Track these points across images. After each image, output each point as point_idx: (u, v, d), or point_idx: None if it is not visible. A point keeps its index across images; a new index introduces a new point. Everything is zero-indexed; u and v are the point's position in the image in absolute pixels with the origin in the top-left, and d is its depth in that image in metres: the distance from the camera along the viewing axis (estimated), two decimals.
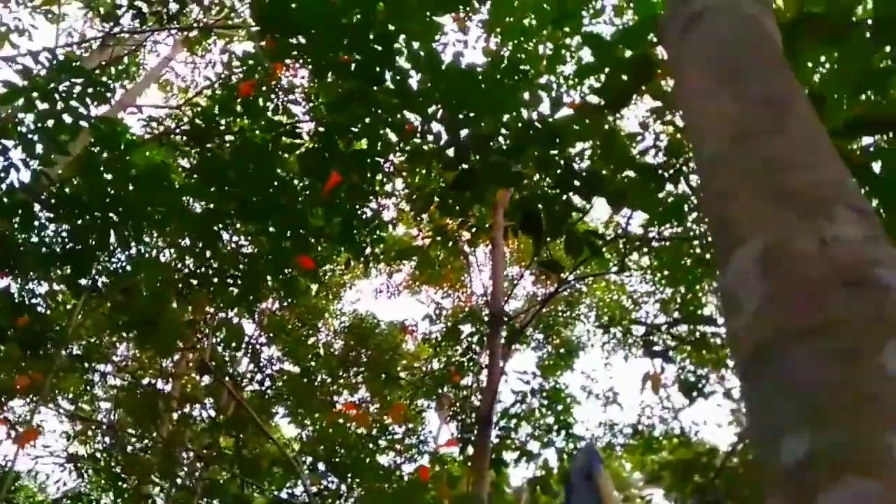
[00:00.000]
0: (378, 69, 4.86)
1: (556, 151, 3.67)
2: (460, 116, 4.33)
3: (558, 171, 3.51)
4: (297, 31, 4.58)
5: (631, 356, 12.93)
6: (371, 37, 4.85)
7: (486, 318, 6.92)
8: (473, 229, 7.23)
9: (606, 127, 3.07)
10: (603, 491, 3.29)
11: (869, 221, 0.83)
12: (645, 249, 10.62)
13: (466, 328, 9.62)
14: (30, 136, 6.62)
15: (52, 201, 6.86)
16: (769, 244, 0.82)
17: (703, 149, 1.09)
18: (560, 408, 9.05)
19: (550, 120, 3.60)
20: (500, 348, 6.71)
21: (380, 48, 4.72)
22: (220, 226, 7.85)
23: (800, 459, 0.64)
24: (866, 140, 3.30)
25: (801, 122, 1.01)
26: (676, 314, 9.40)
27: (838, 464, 0.61)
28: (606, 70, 2.79)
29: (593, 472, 3.32)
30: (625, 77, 2.51)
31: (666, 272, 10.37)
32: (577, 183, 3.49)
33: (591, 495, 3.27)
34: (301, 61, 5.25)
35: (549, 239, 3.77)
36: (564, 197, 3.63)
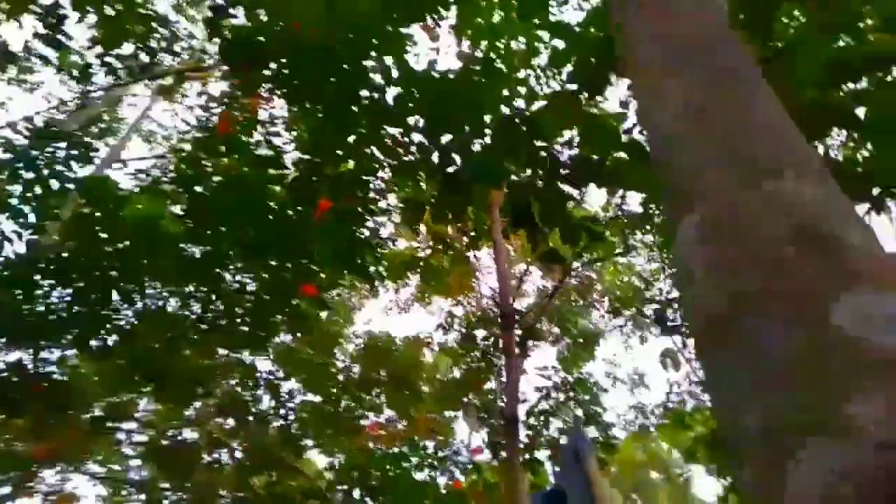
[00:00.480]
0: (351, 89, 4.84)
1: (539, 143, 3.63)
2: (440, 123, 4.30)
3: (543, 163, 3.47)
4: (265, 62, 4.57)
5: (648, 336, 12.85)
6: (340, 58, 4.84)
7: (497, 319, 6.87)
8: (472, 233, 7.19)
9: (586, 112, 3.03)
10: (591, 473, 3.28)
11: (818, 179, 0.80)
12: (647, 227, 10.56)
13: (481, 332, 9.56)
14: (19, 206, 6.64)
15: (51, 268, 6.86)
16: (716, 209, 0.79)
17: (652, 120, 1.06)
18: (587, 398, 8.96)
19: (528, 113, 3.57)
20: (516, 346, 6.65)
21: (350, 69, 4.70)
22: (220, 267, 7.84)
23: (763, 427, 0.63)
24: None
25: (748, 91, 0.98)
26: None
27: (801, 429, 0.60)
28: (574, 57, 2.76)
29: (581, 455, 3.30)
30: (593, 60, 2.47)
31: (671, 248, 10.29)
32: (564, 171, 3.45)
33: (579, 477, 3.26)
34: (275, 92, 5.23)
35: (545, 230, 3.72)
36: (554, 187, 3.59)
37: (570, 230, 3.53)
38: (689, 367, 12.66)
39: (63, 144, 6.84)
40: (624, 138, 3.84)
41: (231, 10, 6.33)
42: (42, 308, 8.51)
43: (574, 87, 2.88)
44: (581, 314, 13.27)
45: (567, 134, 4.31)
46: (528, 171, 3.99)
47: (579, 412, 8.83)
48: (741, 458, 0.66)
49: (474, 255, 9.54)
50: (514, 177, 3.61)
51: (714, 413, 0.88)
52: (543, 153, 3.55)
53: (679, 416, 12.34)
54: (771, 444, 0.61)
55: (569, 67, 4.40)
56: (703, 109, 0.96)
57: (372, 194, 8.37)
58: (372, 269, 8.11)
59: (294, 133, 8.02)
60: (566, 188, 3.71)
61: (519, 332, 6.94)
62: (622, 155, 3.82)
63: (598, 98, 4.04)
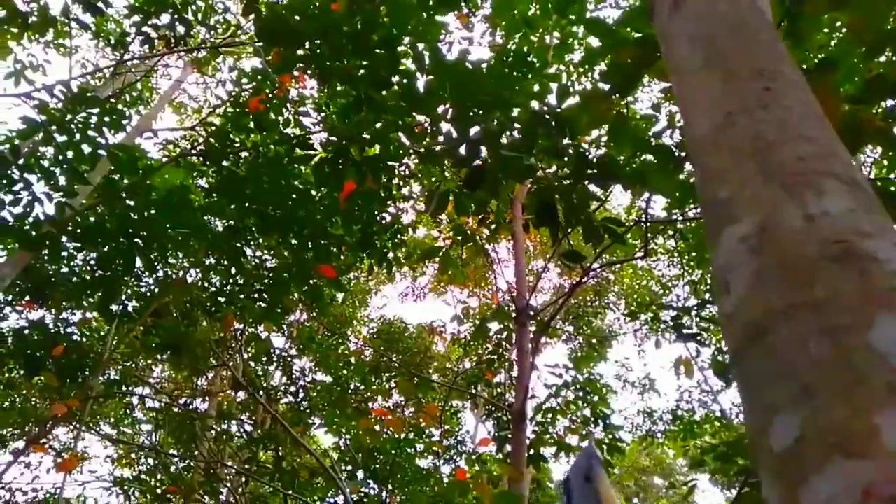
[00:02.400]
0: (384, 73, 4.85)
1: (567, 141, 3.61)
2: (469, 113, 4.29)
3: (571, 161, 3.46)
4: (300, 41, 4.58)
5: (663, 341, 12.77)
6: (374, 42, 4.85)
7: (512, 314, 6.87)
8: (493, 225, 7.18)
9: (616, 112, 3.00)
10: (603, 493, 3.25)
11: (860, 193, 0.79)
12: (670, 232, 10.46)
13: (494, 326, 9.56)
14: (51, 168, 6.76)
15: (77, 231, 6.98)
16: (756, 222, 0.79)
17: (691, 129, 1.05)
18: (596, 399, 8.94)
19: (558, 110, 3.55)
20: (529, 343, 6.65)
21: (384, 52, 4.71)
22: (242, 242, 7.94)
23: (790, 442, 0.63)
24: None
25: (789, 97, 0.96)
26: (707, 296, 9.24)
27: (828, 446, 0.59)
28: (609, 56, 2.74)
29: (592, 475, 3.29)
30: (629, 60, 2.45)
31: (693, 253, 10.20)
32: (590, 171, 3.43)
33: (590, 498, 3.24)
34: (308, 71, 5.26)
35: (567, 229, 3.71)
36: (579, 186, 3.57)
37: (592, 230, 3.52)
38: (701, 376, 12.56)
39: (96, 110, 6.93)
40: (653, 141, 3.80)
41: None
42: (66, 269, 8.70)
43: (606, 86, 2.86)
44: (596, 314, 13.22)
45: (595, 132, 4.26)
46: (554, 168, 3.97)
47: (587, 412, 8.82)
48: (764, 471, 0.66)
49: (493, 248, 9.54)
50: (539, 173, 3.59)
51: (745, 424, 0.88)
52: (571, 151, 3.53)
53: (688, 424, 12.27)
54: (797, 459, 0.62)
55: (601, 66, 4.36)
56: (741, 115, 0.95)
57: (396, 180, 8.41)
58: (390, 254, 8.16)
59: (323, 114, 8.06)
60: (592, 188, 3.70)
61: (533, 328, 6.93)
62: (650, 157, 3.79)
63: (629, 98, 4.00)
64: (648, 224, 7.50)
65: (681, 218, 7.56)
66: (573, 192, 3.48)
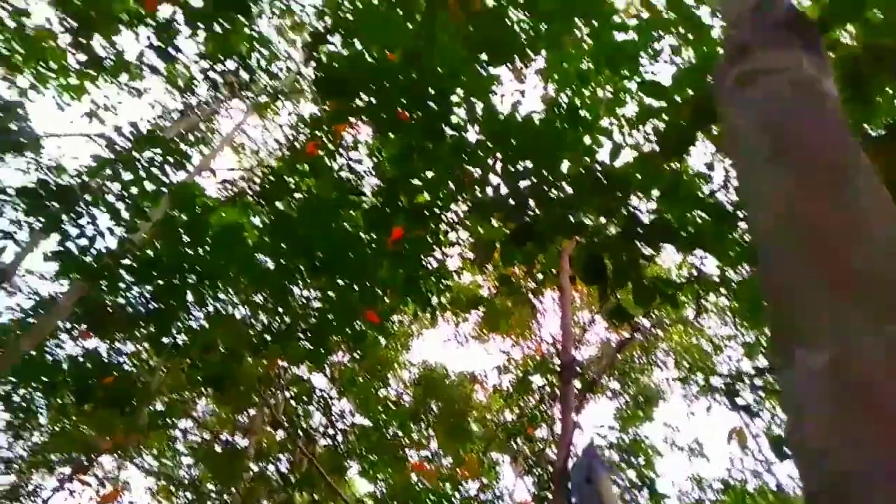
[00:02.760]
0: (436, 125, 4.92)
1: (619, 198, 3.55)
2: (519, 167, 4.29)
3: (622, 219, 3.39)
4: (356, 92, 4.71)
5: (714, 404, 12.21)
6: (428, 93, 4.94)
7: (556, 369, 6.70)
8: (539, 276, 7.09)
9: (670, 171, 2.94)
10: (604, 494, 3.11)
11: None
12: (723, 290, 10.12)
13: (537, 379, 9.37)
14: (115, 203, 7.07)
15: (134, 264, 7.23)
16: (832, 352, 0.71)
17: (756, 223, 0.99)
18: (641, 461, 8.58)
19: (610, 167, 3.50)
20: (573, 399, 6.46)
21: (436, 104, 4.78)
22: (290, 281, 8.06)
23: None
24: None
25: (861, 195, 0.88)
26: (762, 361, 8.83)
27: None
28: (664, 115, 2.70)
29: (594, 476, 3.15)
30: (683, 122, 2.41)
31: (747, 314, 9.82)
32: (641, 231, 3.35)
33: (593, 499, 3.10)
34: (363, 119, 5.39)
35: (616, 287, 3.61)
36: (630, 245, 3.49)
37: (642, 290, 3.42)
38: (755, 444, 11.93)
39: (160, 150, 7.25)
40: (705, 198, 3.70)
41: (328, 38, 6.61)
42: (122, 301, 8.99)
43: (658, 146, 2.81)
44: (643, 372, 12.81)
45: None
46: (603, 221, 3.90)
47: (632, 474, 8.46)
48: None
49: (539, 299, 9.41)
50: (588, 230, 3.53)
51: None
52: (622, 209, 3.47)
53: (741, 494, 11.60)
54: None
55: (654, 123, 4.31)
56: (811, 215, 0.88)
57: (444, 226, 8.45)
58: (434, 299, 8.14)
59: (375, 160, 8.22)
60: (642, 246, 3.61)
61: (578, 383, 6.75)
62: (703, 215, 3.68)
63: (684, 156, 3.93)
64: (701, 282, 7.28)
65: (735, 278, 7.32)
66: (623, 250, 3.41)
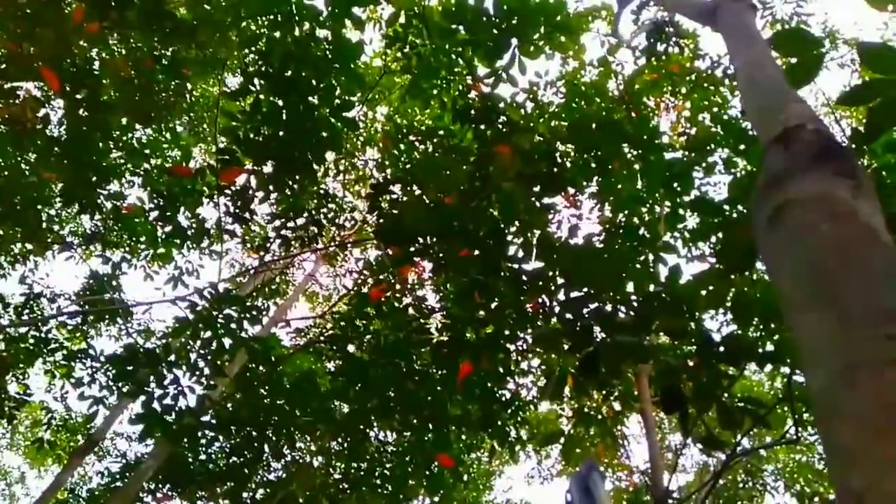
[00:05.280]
0: (494, 260, 5.02)
1: (686, 318, 3.45)
2: (581, 293, 4.27)
3: (694, 340, 3.27)
4: (415, 239, 4.91)
5: None
6: (485, 231, 5.10)
7: (650, 501, 6.20)
8: (617, 401, 6.78)
9: (736, 290, 2.86)
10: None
11: None
12: None
13: None
14: (195, 361, 7.36)
15: (214, 421, 7.39)
16: None
17: (808, 377, 0.93)
18: None
19: (674, 286, 3.44)
20: None
21: (493, 242, 4.91)
22: (365, 425, 8.00)
23: None
24: None
25: None
26: None
27: None
28: (721, 232, 2.67)
29: (591, 486, 2.94)
30: (741, 240, 2.37)
31: None
32: (717, 349, 3.21)
33: None
34: (424, 261, 5.57)
35: (699, 413, 3.40)
36: (708, 366, 3.33)
37: (728, 414, 3.21)
38: None
39: (237, 308, 7.61)
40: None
41: (390, 187, 7.03)
42: (203, 457, 9.09)
43: (719, 264, 2.76)
44: (751, 498, 11.63)
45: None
46: (674, 347, 3.77)
47: None
48: None
49: (622, 427, 8.92)
50: (658, 354, 3.41)
51: None
52: (693, 328, 3.36)
53: None
54: None
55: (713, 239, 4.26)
56: (864, 372, 0.81)
57: (514, 355, 8.33)
58: (512, 432, 7.86)
59: (441, 294, 8.36)
60: (722, 367, 3.43)
61: None
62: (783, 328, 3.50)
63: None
64: (796, 397, 6.76)
65: None
66: (701, 373, 3.25)
